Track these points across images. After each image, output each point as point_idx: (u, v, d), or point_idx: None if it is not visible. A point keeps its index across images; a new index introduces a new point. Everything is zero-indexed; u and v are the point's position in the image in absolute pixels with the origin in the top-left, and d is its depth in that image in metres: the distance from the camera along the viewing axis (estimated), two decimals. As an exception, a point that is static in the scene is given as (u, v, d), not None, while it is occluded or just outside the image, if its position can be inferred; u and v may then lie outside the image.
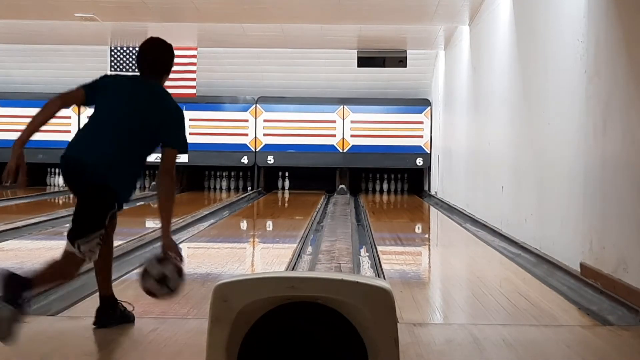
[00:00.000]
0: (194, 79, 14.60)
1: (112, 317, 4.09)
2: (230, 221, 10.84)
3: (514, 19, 8.34)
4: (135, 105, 4.03)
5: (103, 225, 3.87)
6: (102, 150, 3.91)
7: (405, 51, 13.99)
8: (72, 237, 3.83)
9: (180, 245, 7.65)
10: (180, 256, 3.93)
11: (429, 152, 15.90)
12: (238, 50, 14.93)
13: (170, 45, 4.23)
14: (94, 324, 4.06)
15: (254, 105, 16.12)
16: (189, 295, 5.16)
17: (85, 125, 4.04)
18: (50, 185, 16.60)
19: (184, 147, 4.06)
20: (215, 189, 16.56)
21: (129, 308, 4.21)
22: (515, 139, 8.09)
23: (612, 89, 5.14)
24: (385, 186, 16.60)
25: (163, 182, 4.01)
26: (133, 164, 4.04)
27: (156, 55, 4.18)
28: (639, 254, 4.63)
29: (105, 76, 4.21)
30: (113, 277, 5.40)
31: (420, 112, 16.13)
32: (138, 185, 4.07)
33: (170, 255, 3.85)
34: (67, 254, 3.83)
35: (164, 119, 4.04)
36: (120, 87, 4.14)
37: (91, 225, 3.85)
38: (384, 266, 6.38)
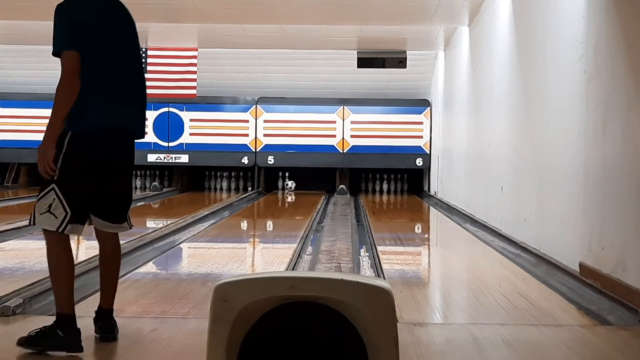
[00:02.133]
0: (194, 80, 14.60)
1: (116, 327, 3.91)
2: (231, 221, 10.85)
3: (513, 19, 8.35)
4: (124, 34, 3.92)
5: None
6: (138, 110, 3.87)
7: (405, 52, 14.00)
8: (125, 216, 3.87)
9: (181, 245, 7.72)
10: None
11: (428, 152, 15.92)
12: (238, 50, 14.93)
13: None
14: (102, 339, 3.83)
15: (254, 106, 16.13)
16: (190, 295, 5.18)
17: (94, 83, 3.76)
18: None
19: None
20: (215, 189, 16.56)
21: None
22: (515, 140, 8.10)
23: (611, 90, 5.15)
24: (385, 186, 16.61)
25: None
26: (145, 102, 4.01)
27: None
28: (637, 254, 4.64)
29: (76, 12, 3.91)
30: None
31: (420, 113, 16.15)
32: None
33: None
34: (116, 235, 3.88)
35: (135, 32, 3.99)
36: (102, 22, 3.90)
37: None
38: (384, 266, 6.38)
